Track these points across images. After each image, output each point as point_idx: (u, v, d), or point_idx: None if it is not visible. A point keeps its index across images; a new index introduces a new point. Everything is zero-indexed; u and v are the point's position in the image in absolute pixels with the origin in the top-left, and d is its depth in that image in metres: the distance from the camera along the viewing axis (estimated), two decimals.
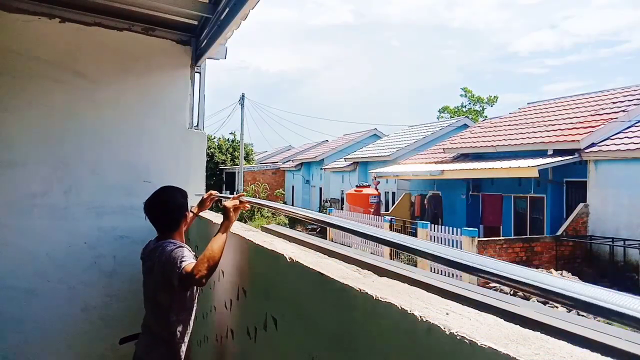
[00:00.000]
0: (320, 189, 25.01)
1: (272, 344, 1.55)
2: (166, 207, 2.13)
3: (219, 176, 31.06)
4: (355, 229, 1.17)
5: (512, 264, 0.71)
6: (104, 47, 3.26)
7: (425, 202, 15.22)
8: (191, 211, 2.42)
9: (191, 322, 2.11)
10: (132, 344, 2.23)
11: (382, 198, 17.77)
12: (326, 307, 1.18)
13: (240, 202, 2.04)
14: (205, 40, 3.27)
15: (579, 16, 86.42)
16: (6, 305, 2.96)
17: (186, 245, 2.08)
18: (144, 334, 2.15)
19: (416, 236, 11.69)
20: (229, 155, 31.65)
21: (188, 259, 1.90)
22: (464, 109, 37.31)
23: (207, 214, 2.67)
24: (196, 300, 2.13)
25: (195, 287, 2.04)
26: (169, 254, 1.91)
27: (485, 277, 0.73)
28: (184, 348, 2.06)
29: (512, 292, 8.53)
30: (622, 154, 9.87)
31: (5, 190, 2.98)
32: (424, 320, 0.81)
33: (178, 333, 2.02)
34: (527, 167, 10.65)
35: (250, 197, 2.12)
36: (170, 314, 2.01)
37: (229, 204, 2.00)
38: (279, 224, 17.21)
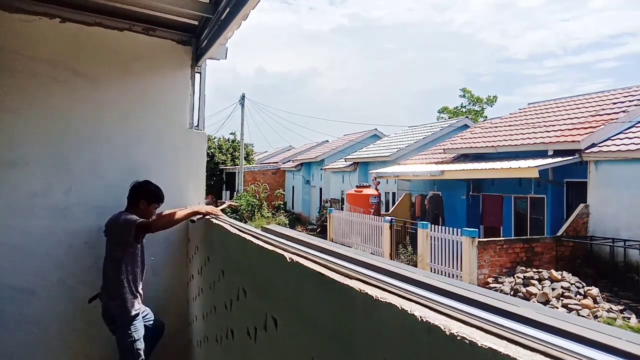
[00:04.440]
0: (321, 189, 25.00)
1: (272, 344, 1.55)
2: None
3: (219, 176, 31.09)
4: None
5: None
6: (104, 47, 3.26)
7: (426, 202, 15.22)
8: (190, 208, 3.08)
9: (139, 274, 2.91)
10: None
11: (383, 198, 17.77)
12: (326, 307, 1.17)
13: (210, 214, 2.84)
14: (206, 41, 3.27)
15: (578, 18, 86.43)
16: (6, 305, 2.96)
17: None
18: (105, 288, 2.89)
19: (416, 236, 11.69)
20: (229, 155, 31.67)
21: (140, 220, 2.81)
22: (464, 110, 37.30)
23: (220, 221, 2.63)
24: (140, 257, 2.93)
25: (140, 247, 2.90)
26: (126, 218, 2.83)
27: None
28: (133, 294, 2.83)
29: (512, 293, 8.49)
30: (623, 154, 9.87)
31: (6, 190, 2.98)
32: (424, 320, 0.80)
33: (128, 280, 2.81)
34: (528, 168, 10.65)
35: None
36: (122, 264, 2.80)
37: (211, 209, 2.90)
38: (279, 224, 17.21)
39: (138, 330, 2.82)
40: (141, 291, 2.93)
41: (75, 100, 3.17)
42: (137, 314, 2.84)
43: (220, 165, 31.11)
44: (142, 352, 2.81)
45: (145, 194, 2.96)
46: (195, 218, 2.93)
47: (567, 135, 11.30)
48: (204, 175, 3.65)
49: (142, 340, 2.83)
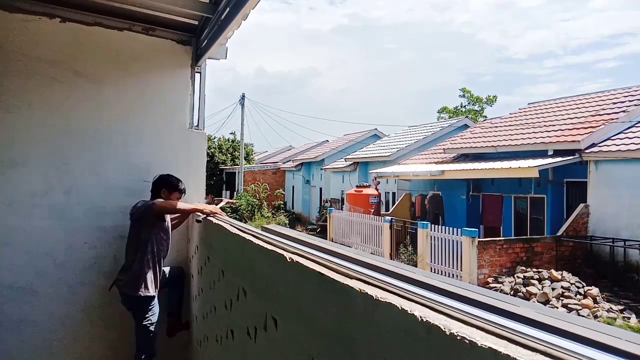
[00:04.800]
0: (321, 189, 24.99)
1: (272, 344, 1.55)
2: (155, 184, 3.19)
3: (219, 176, 31.08)
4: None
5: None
6: (104, 47, 3.26)
7: (426, 202, 15.22)
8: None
9: (161, 258, 3.05)
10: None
11: (383, 198, 17.76)
12: (326, 307, 1.17)
13: (214, 213, 2.93)
14: (206, 40, 3.27)
15: (578, 18, 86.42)
16: (6, 305, 2.96)
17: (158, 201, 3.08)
18: (122, 270, 3.03)
19: (416, 236, 11.69)
20: (229, 155, 31.67)
21: (158, 203, 3.01)
22: (463, 110, 37.29)
23: (220, 221, 2.64)
24: (166, 242, 3.10)
25: (167, 229, 3.11)
26: (145, 202, 3.01)
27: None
28: (153, 274, 2.99)
29: (512, 293, 8.47)
30: (623, 154, 9.86)
31: (6, 190, 2.98)
32: (424, 320, 0.80)
33: (153, 261, 2.98)
34: (528, 168, 10.65)
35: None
36: (147, 245, 2.97)
37: (214, 209, 3.00)
38: (279, 223, 17.21)
39: (155, 313, 2.97)
40: (164, 269, 3.12)
41: (75, 100, 3.17)
42: (154, 296, 2.97)
43: (220, 165, 31.11)
44: (157, 335, 2.99)
45: (165, 184, 3.16)
46: (200, 218, 2.97)
47: (567, 135, 11.30)
48: (204, 175, 3.65)
49: (158, 322, 2.98)
